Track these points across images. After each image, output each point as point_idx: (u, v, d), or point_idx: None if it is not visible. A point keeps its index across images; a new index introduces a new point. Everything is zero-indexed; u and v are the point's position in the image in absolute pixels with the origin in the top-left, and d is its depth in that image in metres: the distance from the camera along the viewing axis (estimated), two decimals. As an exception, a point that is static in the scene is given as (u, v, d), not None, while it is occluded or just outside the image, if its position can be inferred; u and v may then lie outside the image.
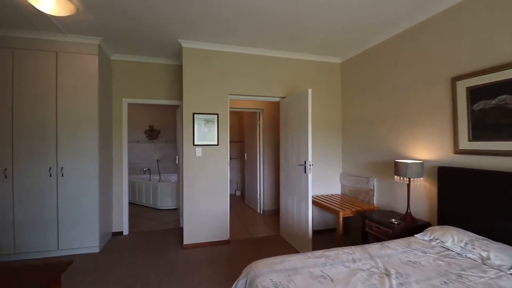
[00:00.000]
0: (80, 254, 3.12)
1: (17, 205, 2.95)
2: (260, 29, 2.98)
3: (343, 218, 3.12)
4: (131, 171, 6.28)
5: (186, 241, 3.35)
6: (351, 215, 3.13)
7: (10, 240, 2.93)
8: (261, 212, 4.88)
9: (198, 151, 3.38)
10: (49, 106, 3.04)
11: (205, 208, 3.42)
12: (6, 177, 2.92)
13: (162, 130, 6.56)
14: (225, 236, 3.49)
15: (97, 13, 2.63)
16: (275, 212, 4.79)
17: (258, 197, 4.90)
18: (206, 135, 3.40)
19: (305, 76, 3.83)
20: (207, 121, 3.41)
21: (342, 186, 3.93)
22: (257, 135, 4.90)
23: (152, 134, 6.44)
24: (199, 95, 3.40)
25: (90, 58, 3.17)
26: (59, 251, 3.09)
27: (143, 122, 6.45)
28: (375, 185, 3.31)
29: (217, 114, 3.45)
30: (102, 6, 2.51)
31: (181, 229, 3.58)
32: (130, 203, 5.54)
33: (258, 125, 4.90)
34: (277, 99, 3.82)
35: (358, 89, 3.62)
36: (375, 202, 3.32)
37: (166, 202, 5.25)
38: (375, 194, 3.32)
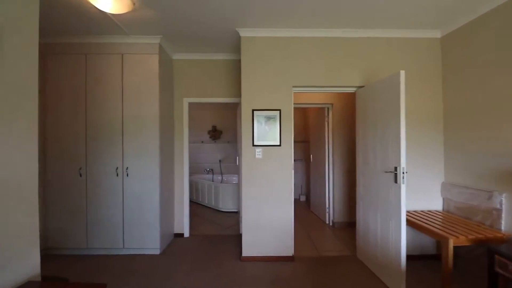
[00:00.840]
0: (141, 255, 3.10)
1: (89, 202, 3.09)
2: (326, 2, 2.38)
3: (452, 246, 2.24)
4: (196, 171, 6.43)
5: (245, 252, 2.99)
6: (467, 244, 2.23)
7: (83, 235, 3.09)
8: (331, 224, 4.21)
9: (258, 152, 2.97)
10: (116, 108, 3.10)
11: (266, 217, 2.99)
12: (81, 176, 3.09)
13: (224, 130, 6.51)
14: (289, 251, 2.99)
15: (154, 7, 2.49)
16: (348, 225, 4.05)
17: (327, 206, 4.24)
18: (267, 134, 2.97)
19: (389, 59, 3.02)
20: (268, 118, 2.98)
21: (445, 200, 2.96)
22: (326, 134, 4.24)
23: (215, 134, 6.44)
24: (259, 89, 2.99)
25: (151, 58, 3.12)
26: (124, 250, 3.13)
27: (206, 123, 6.51)
28: (503, 202, 2.31)
29: (280, 110, 2.98)
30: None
31: (241, 236, 3.25)
32: (193, 202, 5.64)
33: (326, 123, 4.24)
34: (352, 90, 3.12)
35: (472, 69, 2.63)
36: (503, 227, 2.32)
37: (227, 204, 5.07)
38: (503, 215, 2.32)
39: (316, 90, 3.13)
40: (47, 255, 3.09)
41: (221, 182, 5.78)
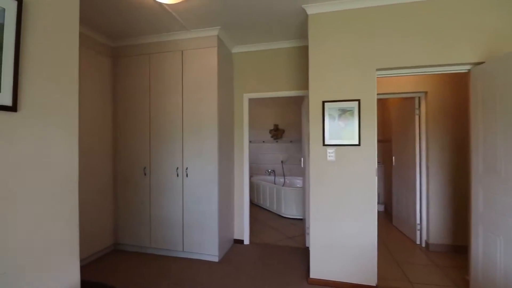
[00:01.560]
0: (200, 261, 2.92)
1: (152, 202, 3.08)
2: None
3: None
4: (256, 172, 6.20)
5: (314, 273, 2.49)
6: None
7: (147, 233, 3.09)
8: (423, 245, 3.31)
9: (330, 153, 2.43)
10: (177, 106, 3.00)
11: (340, 232, 2.43)
12: (145, 175, 3.10)
13: (286, 129, 6.07)
14: (371, 279, 2.36)
15: (210, -10, 2.25)
16: (451, 250, 3.11)
17: (418, 221, 3.35)
18: (341, 131, 2.41)
19: (527, 20, 2.09)
20: (343, 111, 2.41)
21: None
22: (416, 132, 3.36)
23: (276, 133, 6.07)
24: (331, 76, 2.45)
25: (210, 52, 2.92)
26: (184, 253, 3.01)
27: (268, 121, 6.19)
28: None
29: (358, 101, 2.38)
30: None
31: (307, 251, 2.77)
32: (253, 205, 5.38)
33: (417, 116, 3.36)
34: (463, 69, 2.29)
35: None
36: None
37: (290, 210, 4.62)
38: None
39: (409, 72, 2.40)
40: (116, 250, 3.21)
41: (283, 185, 5.37)
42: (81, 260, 2.77)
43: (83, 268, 2.72)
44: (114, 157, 3.22)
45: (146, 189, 3.10)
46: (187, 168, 2.97)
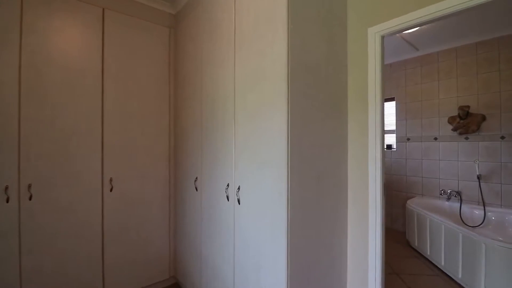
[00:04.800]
0: None
1: (204, 233, 1.95)
2: None
3: None
4: (418, 191, 3.67)
5: None
6: None
7: (198, 278, 1.99)
8: None
9: None
10: (228, 72, 1.68)
11: None
12: (196, 190, 2.02)
13: (489, 114, 3.12)
14: None
15: None
16: None
17: None
18: None
19: None
20: None
21: None
22: None
23: (465, 124, 3.25)
24: None
25: None
26: None
27: (443, 104, 3.49)
28: None
29: None
30: None
31: None
32: (411, 248, 2.93)
33: None
34: None
35: None
36: None
37: (502, 292, 2.04)
38: None
39: None
40: (177, 284, 2.36)
41: (481, 225, 2.69)
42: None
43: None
44: (169, 160, 2.38)
45: (198, 213, 2.02)
46: (239, 188, 1.58)
